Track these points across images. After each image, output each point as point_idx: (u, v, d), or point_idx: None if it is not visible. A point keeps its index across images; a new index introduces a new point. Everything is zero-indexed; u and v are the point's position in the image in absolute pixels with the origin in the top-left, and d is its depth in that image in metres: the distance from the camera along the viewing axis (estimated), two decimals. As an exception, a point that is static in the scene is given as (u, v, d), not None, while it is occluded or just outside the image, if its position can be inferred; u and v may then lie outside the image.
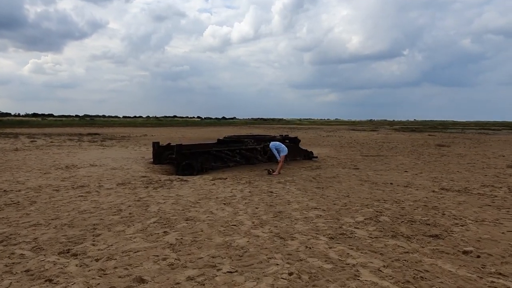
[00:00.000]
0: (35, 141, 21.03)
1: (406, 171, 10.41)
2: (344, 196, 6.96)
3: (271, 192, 7.30)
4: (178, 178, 9.13)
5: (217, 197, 6.74)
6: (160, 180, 8.63)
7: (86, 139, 23.98)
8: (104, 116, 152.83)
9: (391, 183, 8.34)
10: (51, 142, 20.36)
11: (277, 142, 10.86)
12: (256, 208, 5.96)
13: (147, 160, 12.50)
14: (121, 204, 6.11)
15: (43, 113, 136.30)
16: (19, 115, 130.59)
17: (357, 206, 6.14)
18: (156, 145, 11.89)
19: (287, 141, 13.63)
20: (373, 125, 75.09)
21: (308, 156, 13.77)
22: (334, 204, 6.29)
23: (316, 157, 13.86)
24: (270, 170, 10.11)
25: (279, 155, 10.35)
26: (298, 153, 13.44)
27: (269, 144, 11.87)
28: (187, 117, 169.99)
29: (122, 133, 33.66)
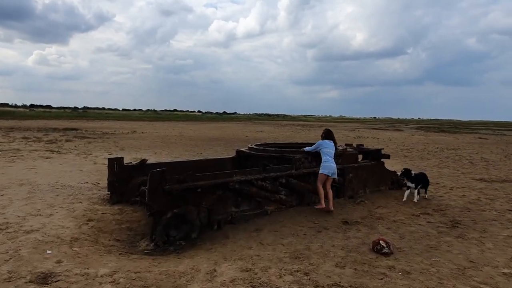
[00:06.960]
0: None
1: None
2: None
3: None
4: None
5: None
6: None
7: (50, 137, 17.85)
8: (103, 109, 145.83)
9: None
10: (-11, 142, 14.22)
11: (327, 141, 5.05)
12: None
13: (101, 190, 6.40)
14: None
15: (41, 104, 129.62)
16: (15, 105, 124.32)
17: None
18: (116, 165, 5.72)
19: (360, 154, 7.57)
20: (389, 124, 68.52)
21: (398, 182, 7.67)
22: None
23: (413, 185, 7.74)
24: (383, 243, 4.01)
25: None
26: (383, 178, 7.35)
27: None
28: (187, 111, 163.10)
29: (108, 129, 27.55)
